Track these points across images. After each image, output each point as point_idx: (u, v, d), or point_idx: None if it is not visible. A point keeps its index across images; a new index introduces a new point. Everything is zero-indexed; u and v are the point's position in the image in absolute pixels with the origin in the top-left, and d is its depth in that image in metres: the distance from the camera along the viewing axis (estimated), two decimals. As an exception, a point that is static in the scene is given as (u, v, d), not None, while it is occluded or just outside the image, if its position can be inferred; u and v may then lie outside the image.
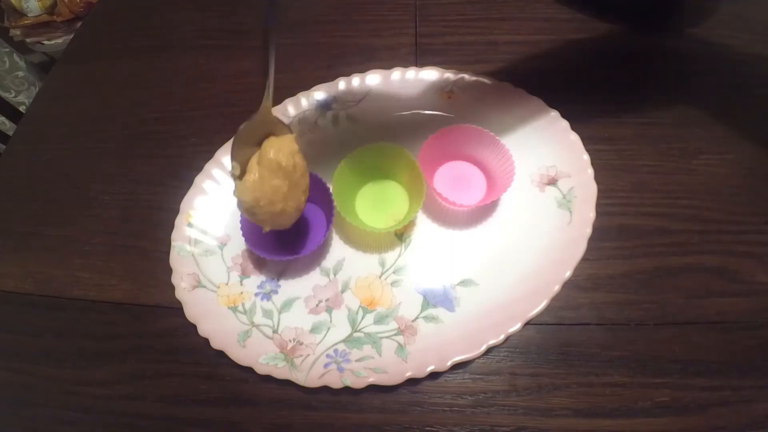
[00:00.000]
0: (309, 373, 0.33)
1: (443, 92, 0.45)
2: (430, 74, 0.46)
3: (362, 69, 0.47)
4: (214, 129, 0.46)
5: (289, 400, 0.33)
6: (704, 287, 0.35)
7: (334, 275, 0.38)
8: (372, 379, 0.33)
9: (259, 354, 0.34)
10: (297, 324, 0.36)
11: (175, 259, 0.38)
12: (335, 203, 0.37)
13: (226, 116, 0.47)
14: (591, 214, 0.37)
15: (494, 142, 0.39)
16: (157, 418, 0.34)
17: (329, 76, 0.47)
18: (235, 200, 0.39)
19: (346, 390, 0.33)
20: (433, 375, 0.33)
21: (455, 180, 0.41)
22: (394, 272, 0.38)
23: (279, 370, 0.33)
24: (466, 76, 0.45)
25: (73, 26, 1.15)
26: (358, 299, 0.37)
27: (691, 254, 0.37)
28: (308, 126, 0.45)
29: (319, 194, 0.38)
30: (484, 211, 0.39)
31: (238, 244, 0.39)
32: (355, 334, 0.35)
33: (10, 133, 0.64)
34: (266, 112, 0.33)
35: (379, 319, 0.36)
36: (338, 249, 0.39)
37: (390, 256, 0.38)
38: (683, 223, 0.38)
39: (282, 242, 0.39)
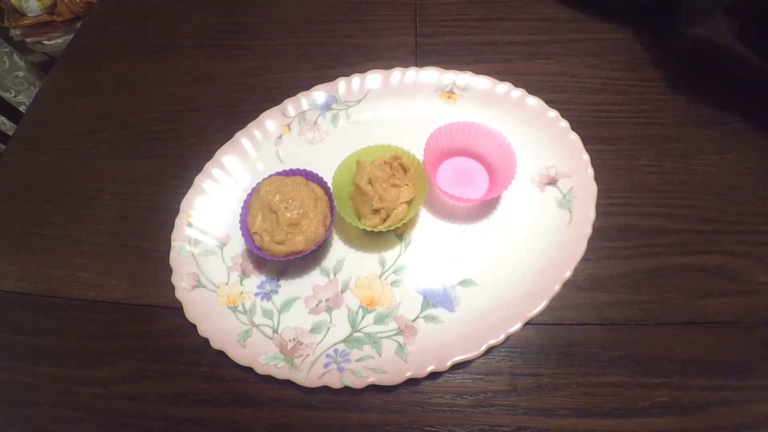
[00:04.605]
0: (309, 373, 0.33)
1: (443, 92, 0.45)
2: (430, 74, 0.46)
3: (362, 69, 0.47)
4: (214, 129, 0.46)
5: (289, 400, 0.33)
6: (704, 287, 0.35)
7: (334, 275, 0.38)
8: (372, 379, 0.33)
9: (259, 354, 0.34)
10: (297, 324, 0.36)
11: (175, 259, 0.38)
12: (335, 203, 0.37)
13: (226, 116, 0.47)
14: (591, 214, 0.37)
15: (496, 137, 0.39)
16: (157, 418, 0.34)
17: (329, 76, 0.47)
18: (234, 200, 0.40)
19: (346, 390, 0.33)
20: (433, 375, 0.33)
21: (458, 176, 0.41)
22: (394, 272, 0.38)
23: (279, 370, 0.33)
24: (466, 76, 0.45)
25: (73, 26, 1.15)
26: (358, 299, 0.37)
27: (691, 254, 0.37)
28: (308, 126, 0.45)
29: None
30: (484, 211, 0.39)
31: (238, 244, 0.39)
32: (355, 334, 0.35)
33: (10, 133, 0.64)
34: None
35: (379, 319, 0.36)
36: (338, 249, 0.39)
37: (390, 256, 0.38)
38: (683, 223, 0.38)
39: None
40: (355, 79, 0.46)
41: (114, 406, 0.34)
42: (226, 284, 0.38)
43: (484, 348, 0.33)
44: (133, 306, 0.38)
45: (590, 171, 0.39)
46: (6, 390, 0.36)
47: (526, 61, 0.48)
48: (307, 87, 0.46)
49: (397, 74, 0.46)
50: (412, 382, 0.33)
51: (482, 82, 0.45)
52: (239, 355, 0.34)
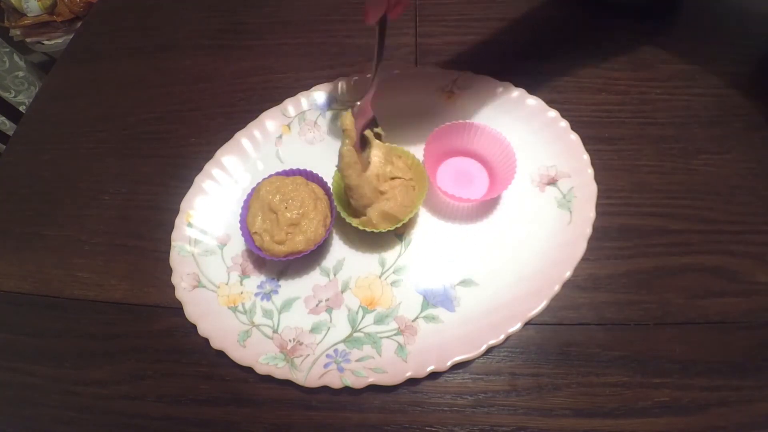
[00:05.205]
0: (309, 373, 0.33)
1: (443, 92, 0.45)
2: (430, 74, 0.46)
3: (362, 69, 0.47)
4: (214, 129, 0.46)
5: (289, 400, 0.33)
6: (704, 287, 0.35)
7: (334, 275, 0.38)
8: (372, 379, 0.33)
9: (259, 354, 0.34)
10: (297, 324, 0.36)
11: (175, 259, 0.38)
12: (335, 203, 0.37)
13: (226, 116, 0.47)
14: (591, 214, 0.37)
15: (496, 137, 0.39)
16: (157, 418, 0.34)
17: (329, 76, 0.47)
18: (234, 200, 0.40)
19: (346, 390, 0.33)
20: (433, 375, 0.33)
21: (458, 176, 0.41)
22: (394, 272, 0.38)
23: (279, 370, 0.33)
24: (466, 76, 0.45)
25: (73, 26, 1.15)
26: (358, 299, 0.37)
27: (691, 254, 0.37)
28: (308, 126, 0.45)
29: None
30: (484, 211, 0.39)
31: (238, 244, 0.39)
32: (355, 334, 0.35)
33: (10, 133, 0.64)
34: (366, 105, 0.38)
35: (379, 319, 0.36)
36: (338, 249, 0.39)
37: (390, 256, 0.38)
38: (683, 223, 0.38)
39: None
40: (355, 79, 0.46)
41: (114, 406, 0.34)
42: (226, 284, 0.38)
43: (484, 348, 0.33)
44: (133, 306, 0.38)
45: (590, 171, 0.39)
46: (6, 390, 0.36)
47: (526, 61, 0.48)
48: (307, 87, 0.46)
49: (396, 74, 0.46)
50: (412, 382, 0.33)
51: (482, 82, 0.45)
52: (239, 355, 0.34)
